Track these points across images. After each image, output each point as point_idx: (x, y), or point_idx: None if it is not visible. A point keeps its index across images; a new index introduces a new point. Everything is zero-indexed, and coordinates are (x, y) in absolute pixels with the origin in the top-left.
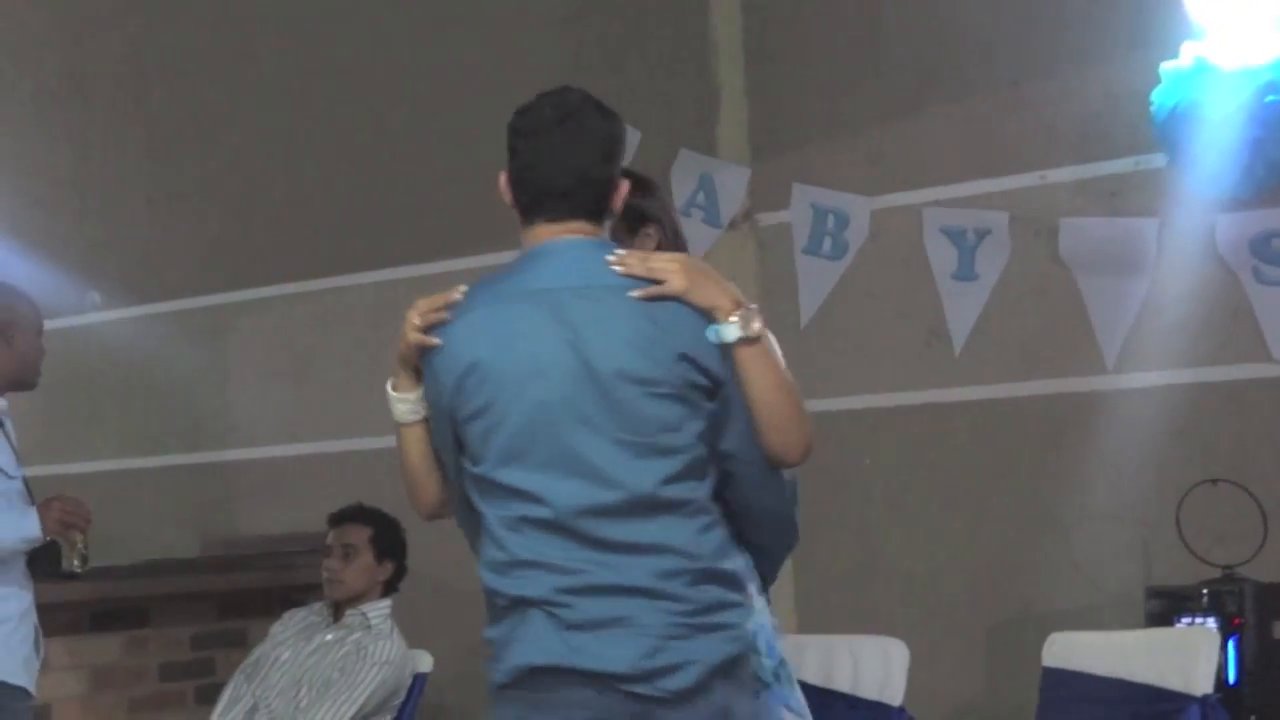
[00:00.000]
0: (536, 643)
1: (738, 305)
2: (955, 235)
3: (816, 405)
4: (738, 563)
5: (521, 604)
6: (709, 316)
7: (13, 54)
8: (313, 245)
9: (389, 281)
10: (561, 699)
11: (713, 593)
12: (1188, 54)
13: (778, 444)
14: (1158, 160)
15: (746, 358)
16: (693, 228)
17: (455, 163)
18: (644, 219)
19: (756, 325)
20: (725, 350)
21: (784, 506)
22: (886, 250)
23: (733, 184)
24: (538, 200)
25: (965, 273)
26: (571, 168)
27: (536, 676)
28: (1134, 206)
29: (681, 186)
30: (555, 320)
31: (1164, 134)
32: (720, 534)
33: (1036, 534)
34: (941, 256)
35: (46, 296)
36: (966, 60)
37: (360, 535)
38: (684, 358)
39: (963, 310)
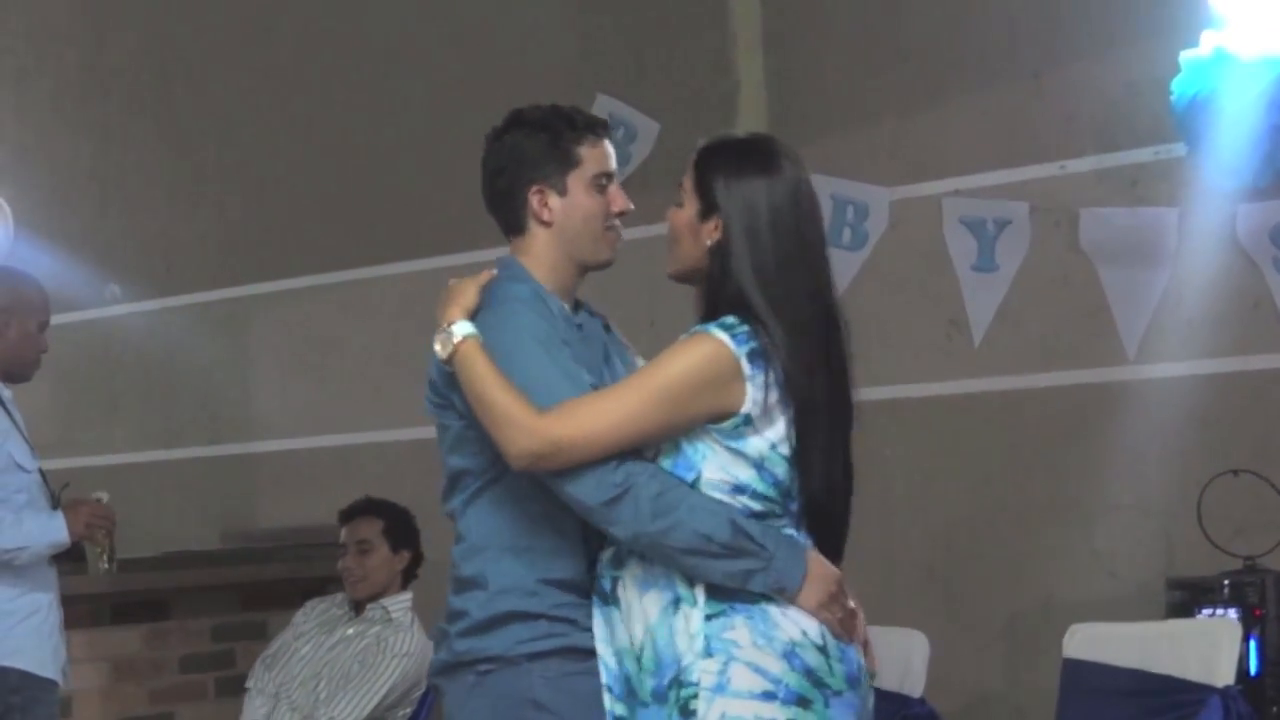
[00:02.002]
0: None
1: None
2: (975, 225)
3: None
4: (479, 568)
5: None
6: None
7: (33, 48)
8: (333, 237)
9: (410, 273)
10: None
11: (454, 600)
12: (1207, 43)
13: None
14: (1178, 150)
15: (457, 375)
16: None
17: (477, 154)
18: (710, 209)
19: (443, 346)
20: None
21: (580, 499)
22: (906, 241)
23: None
24: None
25: (985, 263)
26: (484, 194)
27: None
28: (1154, 196)
29: None
30: None
31: (1184, 123)
32: (464, 543)
33: (1057, 525)
34: (961, 247)
35: (67, 289)
36: (987, 50)
37: (373, 528)
38: (429, 379)
39: (983, 301)
